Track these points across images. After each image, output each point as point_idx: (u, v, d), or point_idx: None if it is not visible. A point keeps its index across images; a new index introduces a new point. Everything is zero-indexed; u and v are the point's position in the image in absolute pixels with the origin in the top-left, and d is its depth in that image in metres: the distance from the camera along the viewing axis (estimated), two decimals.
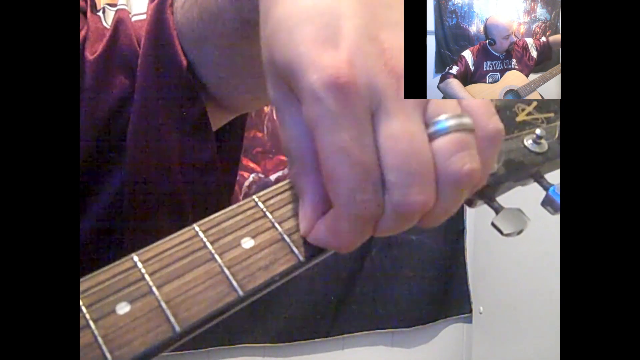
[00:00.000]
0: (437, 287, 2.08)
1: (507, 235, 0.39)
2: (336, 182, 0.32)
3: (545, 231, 0.60)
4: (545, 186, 0.41)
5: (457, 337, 2.15)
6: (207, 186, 0.54)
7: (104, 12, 0.54)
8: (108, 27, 0.53)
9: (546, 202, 0.41)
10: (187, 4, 0.52)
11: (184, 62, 0.51)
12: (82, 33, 0.52)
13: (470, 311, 2.11)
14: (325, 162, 0.32)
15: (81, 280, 0.32)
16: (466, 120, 0.33)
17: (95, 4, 0.55)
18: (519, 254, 1.79)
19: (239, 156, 0.62)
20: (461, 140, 0.33)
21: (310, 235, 0.35)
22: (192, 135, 0.53)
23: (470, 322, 2.11)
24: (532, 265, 1.73)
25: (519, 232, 0.39)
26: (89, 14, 0.54)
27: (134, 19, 0.53)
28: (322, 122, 0.31)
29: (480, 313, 2.04)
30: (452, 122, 0.33)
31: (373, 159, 0.32)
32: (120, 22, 0.52)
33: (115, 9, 0.54)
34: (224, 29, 0.49)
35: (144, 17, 0.53)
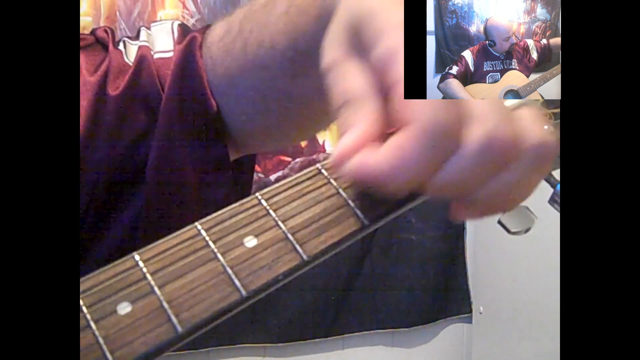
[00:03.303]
0: (437, 288, 2.08)
1: (515, 233, 0.38)
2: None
3: (545, 231, 0.60)
4: (553, 183, 0.40)
5: (457, 337, 2.15)
6: None
7: (125, 46, 0.55)
8: (130, 63, 0.53)
9: (554, 199, 0.40)
10: (227, 38, 0.53)
11: (214, 107, 0.52)
12: (104, 67, 0.53)
13: (470, 311, 2.11)
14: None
15: (82, 279, 0.32)
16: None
17: (114, 37, 0.56)
18: (519, 254, 1.78)
19: (249, 193, 0.63)
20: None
21: (355, 163, 0.33)
22: (211, 173, 0.54)
23: (470, 322, 2.11)
24: (532, 265, 1.72)
25: (527, 231, 0.38)
26: (110, 47, 0.54)
27: (156, 56, 0.54)
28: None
29: (480, 313, 2.04)
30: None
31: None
32: (142, 60, 0.53)
33: (135, 43, 0.55)
34: (270, 62, 0.50)
35: (167, 55, 0.54)
